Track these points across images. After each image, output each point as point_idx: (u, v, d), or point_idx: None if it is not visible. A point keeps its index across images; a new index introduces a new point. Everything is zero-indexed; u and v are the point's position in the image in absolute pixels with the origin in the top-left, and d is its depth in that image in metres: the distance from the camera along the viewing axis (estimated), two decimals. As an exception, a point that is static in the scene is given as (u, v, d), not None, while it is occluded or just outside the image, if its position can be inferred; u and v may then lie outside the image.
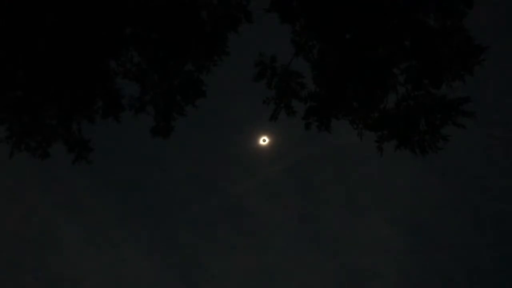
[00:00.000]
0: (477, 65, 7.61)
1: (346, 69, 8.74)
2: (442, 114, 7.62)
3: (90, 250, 29.61)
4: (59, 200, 28.82)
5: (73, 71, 8.40)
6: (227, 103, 28.07)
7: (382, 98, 8.68)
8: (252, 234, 31.14)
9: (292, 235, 31.16)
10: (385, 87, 8.51)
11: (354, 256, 30.57)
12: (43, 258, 28.73)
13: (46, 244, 28.74)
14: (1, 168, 25.64)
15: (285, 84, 9.70)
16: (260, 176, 29.37)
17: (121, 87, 9.53)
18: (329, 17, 8.49)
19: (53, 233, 28.79)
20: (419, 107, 7.96)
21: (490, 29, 21.86)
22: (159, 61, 9.14)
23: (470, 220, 28.66)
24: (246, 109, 27.67)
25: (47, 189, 28.40)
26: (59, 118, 8.84)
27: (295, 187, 30.79)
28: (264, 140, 25.35)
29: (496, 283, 28.42)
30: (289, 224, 31.17)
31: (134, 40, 8.81)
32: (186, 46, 9.09)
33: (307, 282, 30.96)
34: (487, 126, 24.61)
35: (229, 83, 24.89)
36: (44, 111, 8.56)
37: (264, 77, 9.72)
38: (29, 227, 28.31)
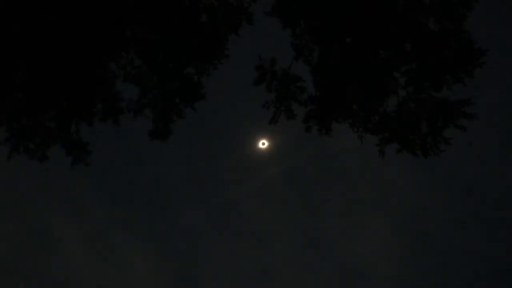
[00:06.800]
0: (478, 68, 7.61)
1: (346, 72, 8.73)
2: (444, 116, 7.60)
3: (88, 253, 29.46)
4: (58, 203, 28.69)
5: (73, 74, 8.37)
6: (227, 106, 28.07)
7: (383, 101, 8.68)
8: (251, 237, 31.06)
9: (291, 238, 31.08)
10: (386, 90, 8.50)
11: (353, 259, 30.50)
12: (41, 260, 28.57)
13: (44, 246, 28.59)
14: (0, 170, 25.53)
15: (285, 88, 9.69)
16: (260, 180, 29.31)
17: (120, 89, 9.52)
18: (329, 21, 8.49)
19: (51, 235, 28.65)
20: (420, 110, 7.94)
21: (491, 31, 21.96)
22: (159, 64, 9.12)
23: (469, 225, 28.68)
24: (246, 112, 27.68)
25: (45, 191, 28.27)
26: (58, 120, 8.79)
27: (294, 190, 30.75)
28: (263, 143, 25.35)
29: (494, 286, 28.37)
30: (288, 227, 31.09)
31: (134, 42, 8.79)
32: (186, 49, 9.07)
33: (306, 286, 30.83)
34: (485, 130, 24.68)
35: (229, 86, 24.90)
36: (43, 113, 8.51)
37: (264, 81, 9.71)
38: (28, 229, 28.17)
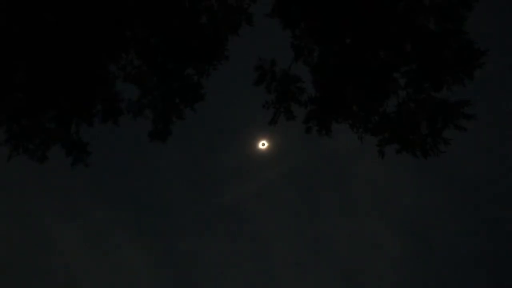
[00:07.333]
0: (478, 69, 7.60)
1: (346, 73, 8.73)
2: (444, 117, 7.60)
3: (88, 253, 29.45)
4: (58, 203, 28.69)
5: (73, 74, 8.36)
6: (227, 106, 28.10)
7: (383, 102, 8.66)
8: (251, 237, 31.06)
9: (290, 239, 31.07)
10: (386, 91, 8.49)
11: (353, 260, 30.49)
12: (41, 260, 28.56)
13: (44, 246, 28.59)
14: (0, 170, 25.52)
15: (284, 88, 9.68)
16: (260, 180, 29.32)
17: (120, 90, 9.52)
18: (329, 21, 8.49)
19: (51, 235, 28.65)
20: (420, 110, 7.94)
21: (491, 31, 21.95)
22: (159, 64, 9.12)
23: (468, 225, 28.67)
24: (246, 113, 27.70)
25: (45, 191, 28.27)
26: (58, 121, 8.79)
27: (294, 190, 30.75)
28: (263, 144, 25.36)
29: (493, 286, 28.35)
30: (288, 228, 31.09)
31: (135, 43, 8.79)
32: (186, 50, 9.08)
33: (306, 285, 30.82)
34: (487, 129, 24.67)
35: (229, 86, 24.91)
36: (43, 114, 8.52)
37: (263, 81, 9.70)
38: (28, 229, 28.17)
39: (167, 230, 30.74)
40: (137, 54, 9.09)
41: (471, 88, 7.85)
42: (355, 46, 8.49)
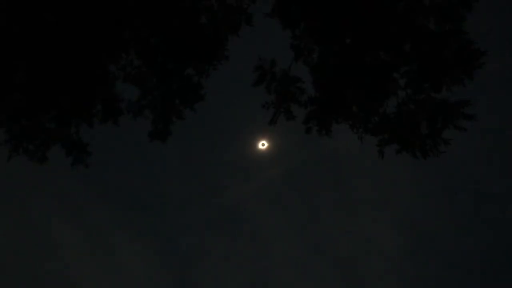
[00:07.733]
0: (477, 69, 7.59)
1: (346, 73, 8.73)
2: (443, 117, 7.60)
3: (88, 253, 29.46)
4: (58, 203, 28.69)
5: (73, 75, 8.37)
6: (227, 106, 28.15)
7: (382, 102, 8.67)
8: (251, 237, 31.07)
9: (291, 239, 31.08)
10: (385, 91, 8.50)
11: (353, 260, 30.50)
12: (41, 260, 28.56)
13: (44, 246, 28.60)
14: (0, 171, 25.53)
15: (284, 89, 9.68)
16: (260, 180, 29.33)
17: (120, 91, 9.53)
18: (329, 21, 8.50)
19: (50, 236, 28.65)
20: (420, 111, 7.94)
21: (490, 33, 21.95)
22: (159, 64, 9.13)
23: (468, 225, 28.69)
24: (246, 113, 27.74)
25: (45, 191, 28.27)
26: (58, 121, 8.80)
27: (294, 190, 30.77)
28: (263, 144, 25.38)
29: (493, 286, 28.37)
30: (288, 228, 31.10)
31: (134, 43, 8.80)
32: (186, 50, 9.08)
33: (306, 286, 30.82)
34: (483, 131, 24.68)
35: (229, 86, 24.95)
36: (43, 114, 8.52)
37: (263, 81, 9.69)
38: (27, 230, 28.17)
39: (167, 230, 30.77)
40: (137, 54, 9.10)
41: (471, 88, 7.85)
42: (355, 46, 8.50)
